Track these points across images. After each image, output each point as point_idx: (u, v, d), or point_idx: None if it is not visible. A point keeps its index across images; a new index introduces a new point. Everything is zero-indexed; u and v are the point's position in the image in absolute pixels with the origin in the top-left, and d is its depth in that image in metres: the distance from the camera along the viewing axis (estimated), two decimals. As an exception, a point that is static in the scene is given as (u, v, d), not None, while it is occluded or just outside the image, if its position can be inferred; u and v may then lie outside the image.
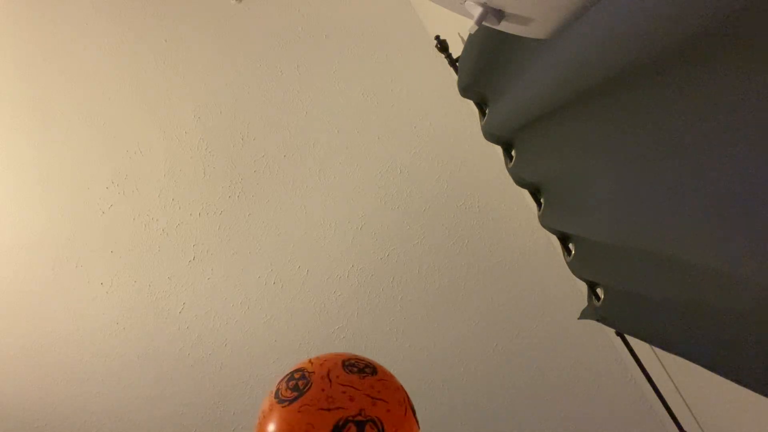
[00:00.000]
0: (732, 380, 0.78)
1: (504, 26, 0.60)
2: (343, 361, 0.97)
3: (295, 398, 0.88)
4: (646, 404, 1.72)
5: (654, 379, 1.39)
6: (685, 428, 1.36)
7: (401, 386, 0.99)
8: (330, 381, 0.90)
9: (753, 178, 0.50)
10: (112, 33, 1.83)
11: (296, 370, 0.95)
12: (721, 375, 0.81)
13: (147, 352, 1.73)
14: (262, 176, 1.82)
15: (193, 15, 1.86)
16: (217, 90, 1.84)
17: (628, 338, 1.40)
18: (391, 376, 0.98)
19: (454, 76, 1.39)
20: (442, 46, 1.38)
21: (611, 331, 1.52)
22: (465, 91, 1.35)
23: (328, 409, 0.83)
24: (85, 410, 1.71)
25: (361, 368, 0.97)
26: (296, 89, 1.86)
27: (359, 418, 0.83)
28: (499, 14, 0.57)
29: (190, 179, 1.80)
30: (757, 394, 0.73)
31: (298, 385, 0.91)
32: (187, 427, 1.72)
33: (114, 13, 1.83)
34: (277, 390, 0.91)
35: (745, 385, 0.75)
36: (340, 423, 0.80)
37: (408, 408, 0.94)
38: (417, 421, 0.97)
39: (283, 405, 0.87)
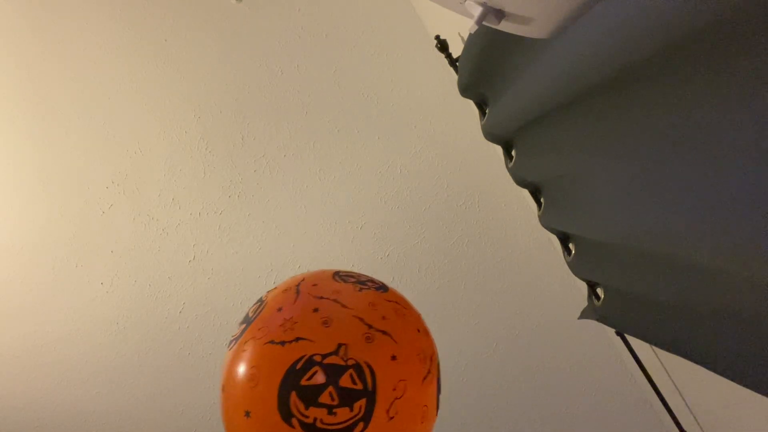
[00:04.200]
0: (732, 380, 0.78)
1: (504, 26, 0.60)
2: (336, 272, 0.61)
3: (241, 333, 0.56)
4: (646, 404, 1.72)
5: (654, 379, 1.39)
6: (685, 428, 1.36)
7: (429, 332, 0.61)
8: (297, 294, 0.55)
9: (755, 177, 0.50)
10: (113, 32, 1.82)
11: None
12: (721, 375, 0.80)
13: (147, 352, 1.73)
14: (262, 176, 1.82)
15: (194, 14, 1.86)
16: (217, 90, 1.84)
17: (628, 338, 1.40)
18: (414, 310, 0.62)
19: (454, 76, 1.39)
20: (442, 46, 1.38)
21: (611, 331, 1.51)
22: (465, 90, 1.35)
23: (282, 343, 0.49)
24: (85, 410, 1.71)
25: (361, 281, 0.59)
26: (296, 89, 1.86)
27: (333, 360, 0.48)
28: (499, 14, 0.57)
29: (190, 179, 1.80)
30: (757, 394, 0.73)
31: (247, 315, 0.58)
32: (187, 426, 1.72)
33: (114, 13, 1.83)
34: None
35: (746, 385, 0.74)
36: (298, 366, 0.48)
37: (433, 372, 0.59)
38: (438, 403, 0.62)
39: (229, 347, 0.57)
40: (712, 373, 0.82)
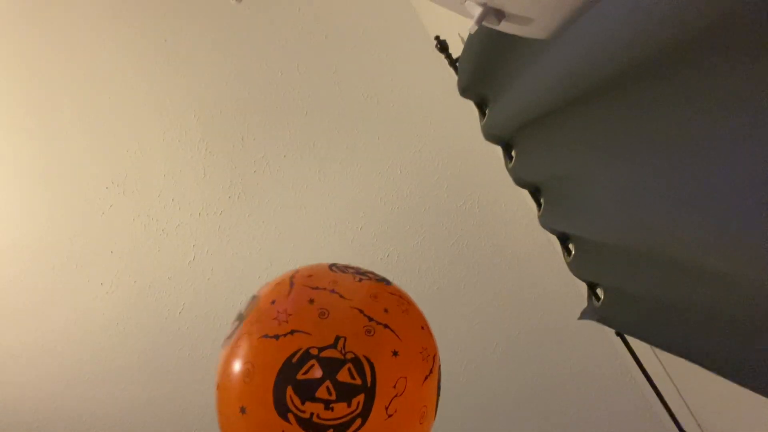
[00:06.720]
0: (732, 380, 0.78)
1: (504, 26, 0.60)
2: (333, 264, 0.58)
3: (234, 330, 0.55)
4: (646, 404, 1.72)
5: (654, 379, 1.39)
6: (684, 428, 1.36)
7: (431, 332, 0.58)
8: (291, 285, 0.53)
9: (755, 179, 0.50)
10: (113, 32, 1.82)
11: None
12: (721, 375, 0.81)
13: (147, 353, 1.73)
14: (262, 176, 1.82)
15: (194, 15, 1.86)
16: (217, 90, 1.84)
17: (628, 338, 1.40)
18: (417, 307, 0.58)
19: (454, 76, 1.39)
20: (442, 46, 1.38)
21: (611, 331, 1.51)
22: (465, 91, 1.35)
23: (276, 336, 0.47)
24: (85, 410, 1.71)
25: (361, 272, 0.56)
26: (296, 89, 1.86)
27: (331, 353, 0.46)
28: (500, 14, 0.57)
29: (190, 179, 1.80)
30: (757, 394, 0.73)
31: (240, 313, 0.57)
32: (187, 426, 1.72)
33: (114, 13, 1.83)
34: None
35: (746, 386, 0.74)
36: (294, 359, 0.46)
37: (434, 372, 0.57)
38: (437, 406, 0.59)
39: (223, 346, 0.57)
40: (712, 374, 0.82)
